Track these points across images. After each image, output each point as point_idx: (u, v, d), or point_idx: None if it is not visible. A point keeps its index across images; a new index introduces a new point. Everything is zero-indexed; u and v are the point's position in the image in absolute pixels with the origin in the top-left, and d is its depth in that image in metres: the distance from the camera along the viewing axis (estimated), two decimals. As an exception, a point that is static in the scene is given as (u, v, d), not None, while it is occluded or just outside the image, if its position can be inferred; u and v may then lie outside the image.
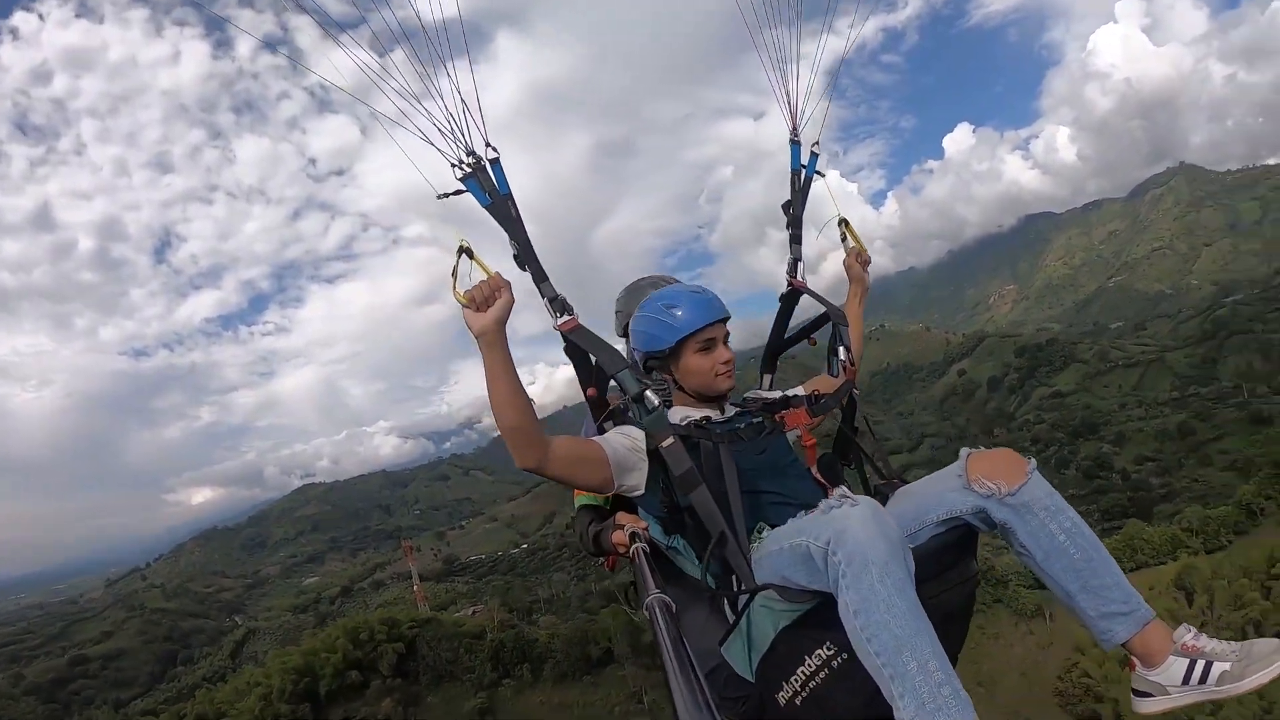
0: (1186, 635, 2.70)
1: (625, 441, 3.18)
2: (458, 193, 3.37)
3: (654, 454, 3.09)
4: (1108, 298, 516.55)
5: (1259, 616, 50.39)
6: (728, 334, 3.51)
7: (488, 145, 3.38)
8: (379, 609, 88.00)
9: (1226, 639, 2.69)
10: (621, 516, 3.24)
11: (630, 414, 3.25)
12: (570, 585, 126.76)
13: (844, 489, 2.82)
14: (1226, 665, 2.60)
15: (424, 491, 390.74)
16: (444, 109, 3.28)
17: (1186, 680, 2.64)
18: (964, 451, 2.86)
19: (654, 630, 2.13)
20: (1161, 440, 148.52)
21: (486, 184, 3.37)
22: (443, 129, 3.30)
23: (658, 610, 2.22)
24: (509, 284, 2.99)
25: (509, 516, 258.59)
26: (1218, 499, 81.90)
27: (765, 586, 2.69)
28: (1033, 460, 2.75)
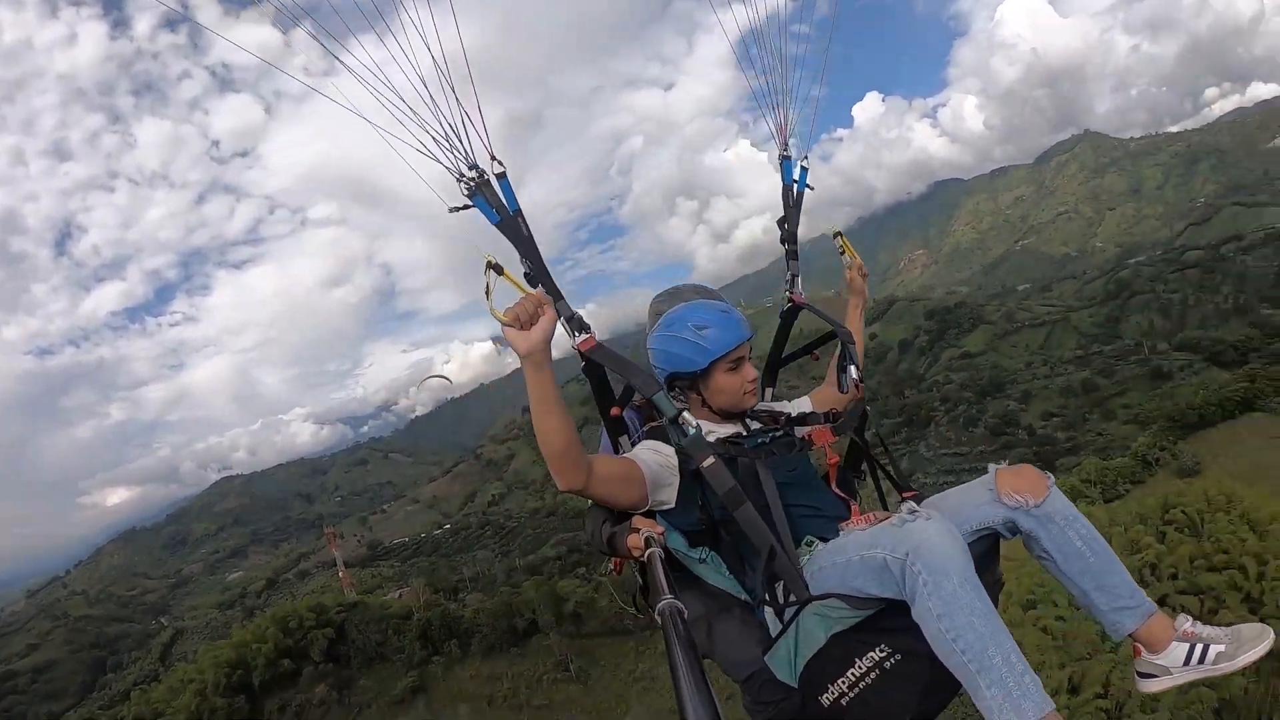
0: (1185, 624, 3.15)
1: (657, 458, 3.28)
2: (465, 207, 3.40)
3: (689, 472, 3.24)
4: (1015, 260, 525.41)
5: (1154, 559, 54.45)
6: (751, 350, 3.63)
7: (493, 159, 3.38)
8: (305, 598, 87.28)
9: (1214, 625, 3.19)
10: (638, 520, 3.21)
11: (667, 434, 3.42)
12: (494, 562, 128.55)
13: (911, 504, 3.02)
14: (1221, 647, 3.05)
15: (344, 477, 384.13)
16: (443, 119, 3.27)
17: (1188, 661, 3.08)
18: (992, 468, 3.17)
19: (666, 635, 2.15)
20: (1066, 396, 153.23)
21: (494, 200, 3.39)
22: (440, 140, 3.29)
23: (670, 616, 2.23)
24: (551, 300, 2.99)
25: (430, 498, 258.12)
26: (1119, 451, 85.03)
27: (825, 596, 2.93)
28: (1051, 476, 3.11)
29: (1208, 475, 60.04)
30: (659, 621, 2.24)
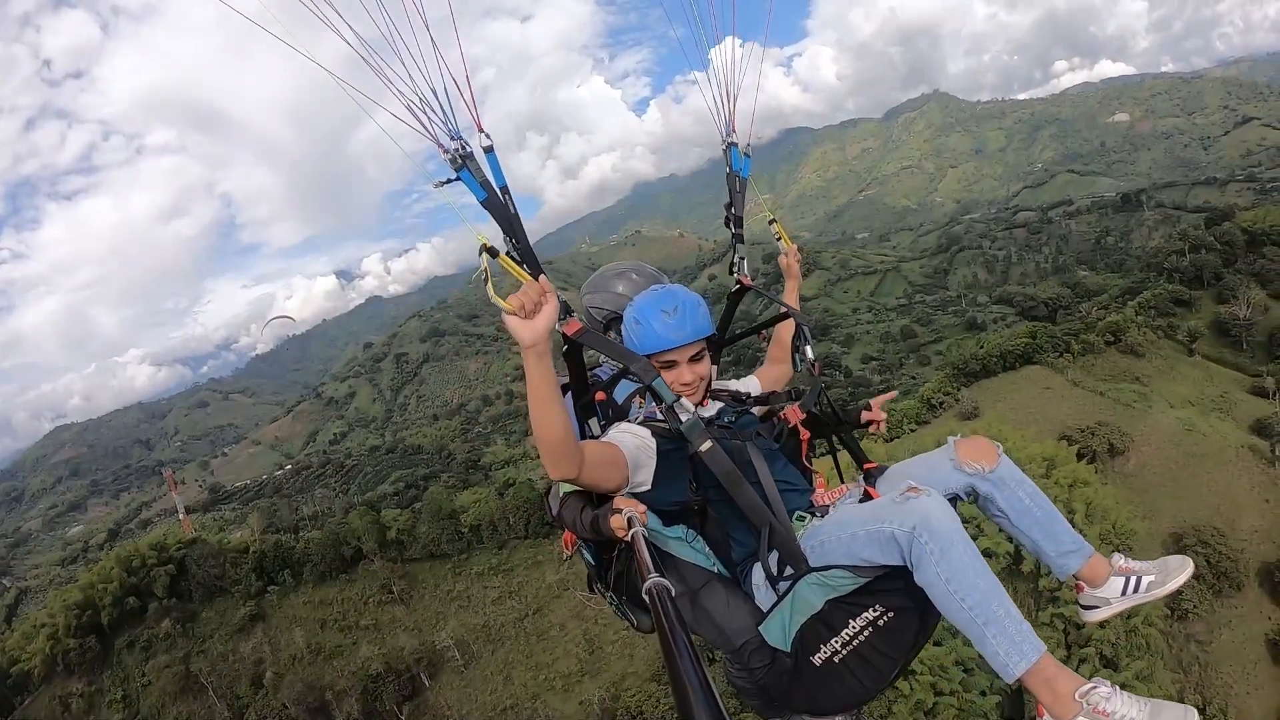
0: (1120, 560, 3.59)
1: (635, 440, 3.39)
2: (450, 181, 3.22)
3: (666, 454, 3.40)
4: (857, 209, 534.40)
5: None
6: (701, 351, 3.69)
7: (480, 130, 3.20)
8: (147, 537, 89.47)
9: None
10: (620, 501, 3.17)
11: (632, 415, 3.77)
12: (334, 500, 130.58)
13: (910, 481, 3.13)
14: (1152, 576, 3.52)
15: (184, 421, 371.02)
16: (419, 86, 3.05)
17: (1124, 592, 3.53)
18: (950, 440, 3.53)
19: (656, 614, 2.15)
20: (885, 342, 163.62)
21: (480, 175, 3.24)
22: (419, 109, 3.08)
23: (659, 594, 2.24)
24: (554, 289, 2.92)
25: (272, 439, 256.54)
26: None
27: (827, 567, 3.16)
28: (1000, 445, 3.49)
29: (984, 419, 69.30)
30: (647, 600, 2.30)
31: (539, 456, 3.03)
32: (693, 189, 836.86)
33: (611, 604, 3.84)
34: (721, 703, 1.66)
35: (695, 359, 3.69)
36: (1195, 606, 52.55)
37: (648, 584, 2.33)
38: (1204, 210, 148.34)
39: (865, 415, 4.15)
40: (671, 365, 3.62)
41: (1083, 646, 44.19)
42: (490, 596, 67.11)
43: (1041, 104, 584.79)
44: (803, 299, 4.51)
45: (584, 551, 3.84)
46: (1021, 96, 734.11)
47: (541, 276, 2.99)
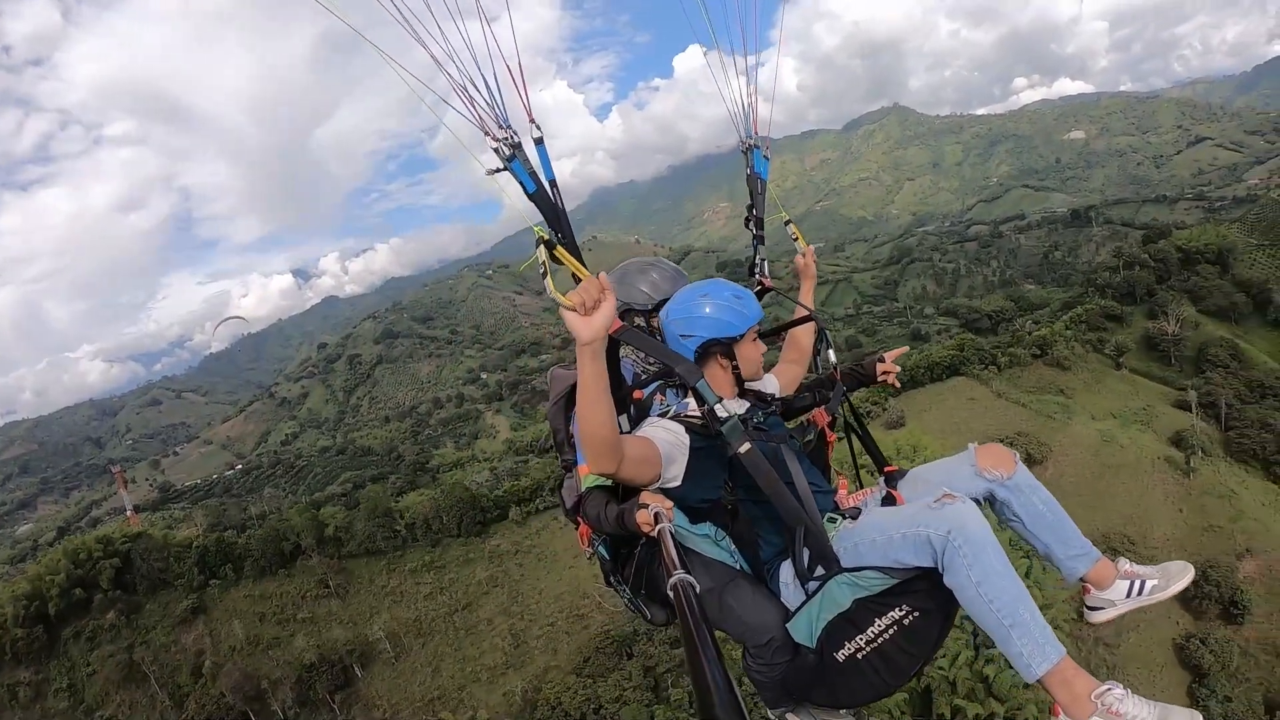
0: (1125, 565, 3.73)
1: (670, 436, 3.43)
2: (500, 170, 3.20)
3: (698, 451, 3.43)
4: (814, 220, 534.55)
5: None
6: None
7: (531, 121, 3.20)
8: (94, 532, 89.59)
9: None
10: (646, 496, 3.25)
11: (661, 411, 3.71)
12: (283, 499, 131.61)
13: (945, 489, 3.30)
14: (1155, 580, 3.66)
15: (136, 419, 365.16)
16: (472, 76, 3.07)
17: (1129, 594, 3.68)
18: (971, 446, 3.65)
19: (680, 609, 2.15)
20: (832, 352, 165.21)
21: (528, 166, 3.22)
22: (472, 98, 3.09)
23: (684, 589, 2.24)
24: (612, 286, 2.90)
25: (224, 438, 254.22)
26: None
27: (859, 568, 3.26)
28: (1017, 453, 3.62)
29: (908, 428, 71.83)
30: (672, 596, 2.30)
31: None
32: (652, 196, 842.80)
33: (624, 598, 3.89)
34: (743, 700, 1.69)
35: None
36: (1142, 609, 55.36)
37: (673, 580, 2.34)
38: (1146, 228, 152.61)
39: (880, 368, 4.39)
40: (756, 339, 3.85)
41: (990, 647, 46.96)
42: (423, 592, 69.82)
43: (999, 119, 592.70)
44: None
45: (600, 548, 3.83)
46: (981, 112, 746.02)
47: (601, 274, 2.91)
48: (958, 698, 44.62)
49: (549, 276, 2.83)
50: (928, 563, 3.11)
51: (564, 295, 2.77)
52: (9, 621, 63.40)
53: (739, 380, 3.86)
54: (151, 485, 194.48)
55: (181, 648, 65.67)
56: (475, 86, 3.07)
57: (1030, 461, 62.71)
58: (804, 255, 5.02)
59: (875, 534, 3.29)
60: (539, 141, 3.25)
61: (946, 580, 3.07)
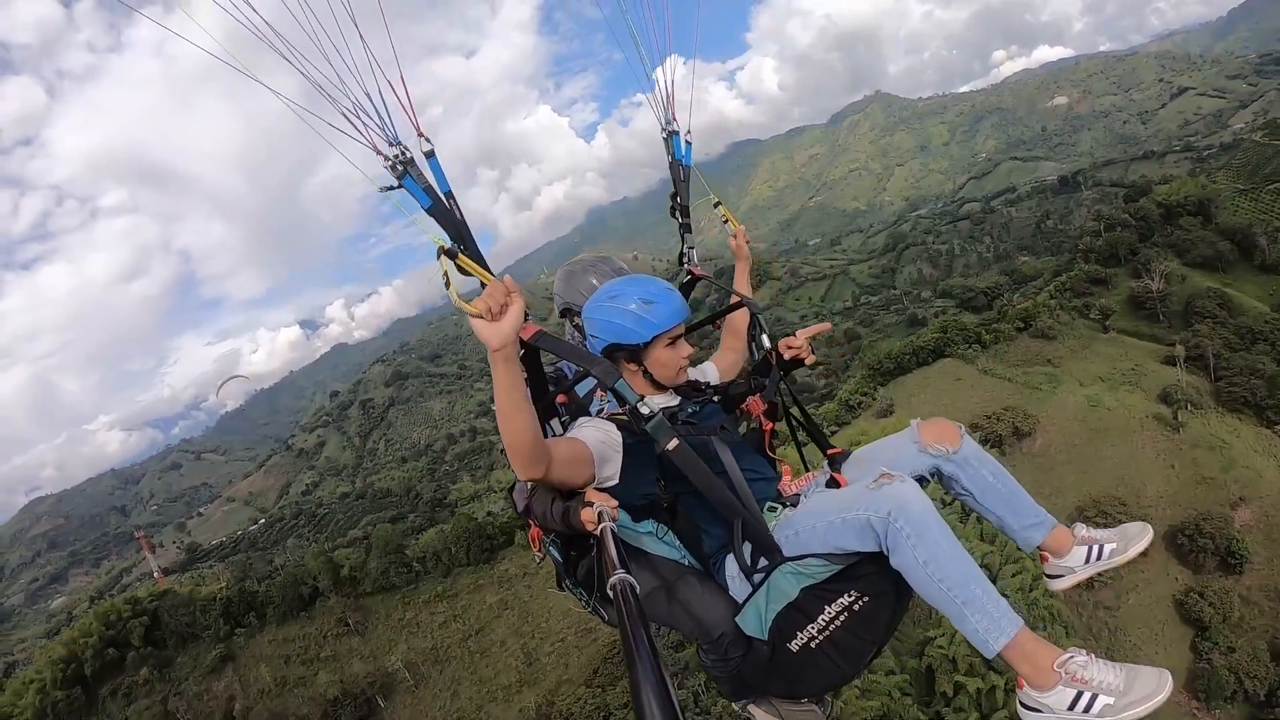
0: (1082, 530, 3.64)
1: (600, 435, 3.35)
2: (391, 188, 3.16)
3: (631, 448, 3.36)
4: (809, 216, 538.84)
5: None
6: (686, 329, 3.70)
7: (420, 136, 3.15)
8: (122, 595, 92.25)
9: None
10: (591, 494, 3.16)
11: (596, 411, 3.69)
12: (306, 549, 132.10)
13: (883, 469, 3.20)
14: (1113, 544, 3.58)
15: (158, 485, 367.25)
16: (353, 91, 2.97)
17: (1087, 560, 3.59)
18: (913, 423, 3.59)
19: (619, 610, 2.10)
20: (830, 346, 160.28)
21: (423, 181, 3.19)
22: (352, 115, 3.01)
23: (623, 590, 2.19)
24: (520, 288, 2.80)
25: (246, 495, 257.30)
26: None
27: (801, 556, 3.19)
28: (962, 425, 3.55)
29: (897, 415, 72.83)
30: (611, 596, 2.24)
31: (506, 465, 3.08)
32: (644, 210, 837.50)
33: (581, 600, 3.78)
34: (677, 702, 1.65)
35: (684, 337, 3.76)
36: (1100, 574, 55.21)
37: (612, 580, 2.31)
38: (1135, 186, 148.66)
39: (783, 343, 4.08)
40: (677, 342, 3.67)
41: None
42: (437, 621, 71.67)
43: (982, 95, 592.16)
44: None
45: (551, 549, 3.70)
46: (964, 89, 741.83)
47: (506, 277, 2.83)
48: (958, 674, 45.97)
49: (451, 286, 2.78)
50: (871, 547, 3.04)
51: (469, 303, 2.72)
52: (49, 685, 65.53)
53: (656, 382, 3.73)
54: (179, 548, 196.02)
55: (213, 695, 67.46)
56: (360, 107, 3.04)
57: (1019, 435, 63.34)
58: (735, 237, 4.98)
59: (815, 520, 3.24)
60: (430, 155, 3.23)
61: (893, 562, 3.00)
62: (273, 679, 67.75)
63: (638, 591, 2.21)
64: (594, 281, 4.55)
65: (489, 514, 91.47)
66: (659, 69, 4.40)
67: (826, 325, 4.46)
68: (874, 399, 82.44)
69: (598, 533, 2.91)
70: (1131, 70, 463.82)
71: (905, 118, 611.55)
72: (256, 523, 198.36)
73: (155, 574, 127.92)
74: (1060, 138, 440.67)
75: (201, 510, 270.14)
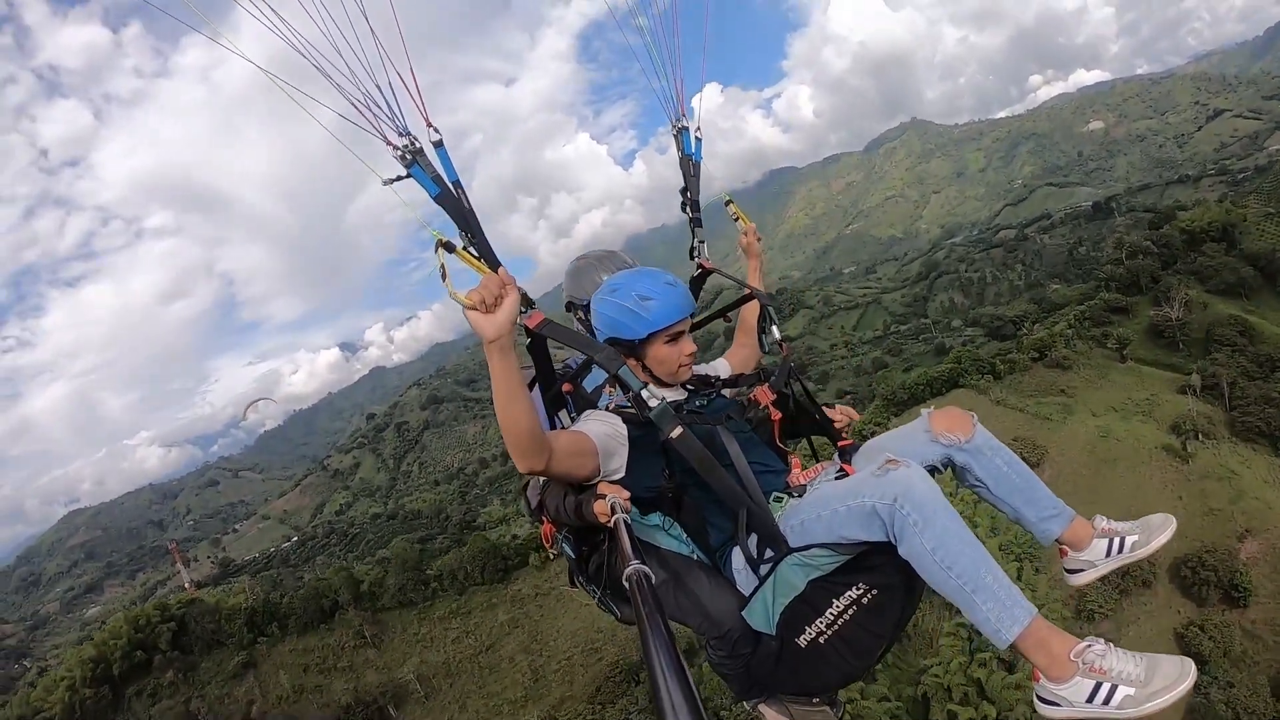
0: (1102, 522, 3.52)
1: (605, 428, 3.28)
2: (400, 178, 3.15)
3: (637, 440, 3.31)
4: (844, 244, 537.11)
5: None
6: (691, 325, 3.61)
7: (429, 125, 3.14)
8: (151, 601, 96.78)
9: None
10: (604, 487, 3.09)
11: (606, 404, 3.55)
12: (333, 566, 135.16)
13: (888, 455, 3.07)
14: (1135, 536, 3.45)
15: (195, 500, 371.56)
16: (363, 84, 2.96)
17: (1108, 553, 3.45)
18: (924, 412, 3.48)
19: (634, 601, 2.07)
20: (858, 375, 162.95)
21: (431, 170, 3.18)
22: (366, 106, 3.01)
23: (638, 581, 2.16)
24: (514, 280, 2.83)
25: (281, 513, 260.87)
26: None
27: (807, 547, 3.08)
28: (974, 414, 3.43)
29: (909, 412, 73.98)
30: (627, 587, 2.21)
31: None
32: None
33: (593, 596, 3.65)
34: (698, 692, 1.60)
35: (689, 333, 3.68)
36: (1100, 607, 54.99)
37: (627, 571, 2.27)
38: (1156, 211, 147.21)
39: (831, 413, 4.04)
40: (678, 339, 3.57)
41: (982, 651, 45.02)
42: (450, 636, 73.90)
43: (1018, 121, 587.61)
44: (786, 339, 4.17)
45: (564, 545, 3.62)
46: (1001, 115, 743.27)
47: (501, 269, 2.89)
48: (952, 703, 46.51)
49: (447, 279, 2.76)
50: (878, 535, 2.93)
51: (463, 295, 2.73)
52: (78, 683, 68.47)
53: (655, 377, 3.64)
54: (213, 562, 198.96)
55: (234, 699, 70.07)
56: (370, 98, 3.03)
57: (1026, 465, 65.15)
58: (745, 234, 4.90)
59: (818, 509, 3.13)
60: (438, 145, 3.22)
61: (901, 551, 2.89)
62: (291, 686, 70.22)
63: (653, 581, 2.22)
64: (601, 277, 4.27)
65: (514, 536, 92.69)
66: (668, 65, 4.42)
67: (856, 415, 4.31)
68: (888, 429, 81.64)
69: (611, 524, 2.91)
70: (1167, 93, 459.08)
71: (941, 144, 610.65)
72: (289, 540, 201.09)
73: (186, 585, 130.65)
74: (1096, 162, 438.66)
75: (237, 526, 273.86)
